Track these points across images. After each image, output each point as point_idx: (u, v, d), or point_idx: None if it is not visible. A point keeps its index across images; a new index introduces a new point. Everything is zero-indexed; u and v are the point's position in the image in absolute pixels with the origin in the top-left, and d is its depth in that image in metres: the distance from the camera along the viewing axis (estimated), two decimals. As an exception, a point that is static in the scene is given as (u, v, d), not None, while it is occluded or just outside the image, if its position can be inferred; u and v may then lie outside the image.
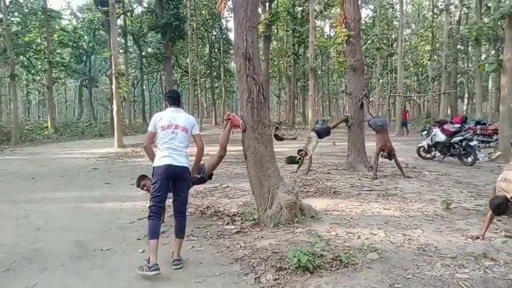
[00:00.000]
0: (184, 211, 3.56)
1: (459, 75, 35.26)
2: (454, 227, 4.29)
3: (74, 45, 35.15)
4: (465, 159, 9.23)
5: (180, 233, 3.46)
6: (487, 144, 12.46)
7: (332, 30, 24.83)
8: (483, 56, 31.09)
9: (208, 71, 36.49)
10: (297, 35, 28.69)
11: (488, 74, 21.04)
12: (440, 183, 6.84)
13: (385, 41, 29.14)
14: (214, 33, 35.90)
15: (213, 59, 35.60)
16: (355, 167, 8.45)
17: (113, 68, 15.52)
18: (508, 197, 3.59)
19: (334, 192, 6.15)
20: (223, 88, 32.79)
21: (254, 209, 4.83)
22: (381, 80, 32.04)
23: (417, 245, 3.70)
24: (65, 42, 32.79)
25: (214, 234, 4.20)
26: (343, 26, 8.53)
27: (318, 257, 3.28)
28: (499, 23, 13.05)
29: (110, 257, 3.67)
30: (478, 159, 9.08)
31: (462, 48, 33.14)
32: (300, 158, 8.39)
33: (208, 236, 4.14)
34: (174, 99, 3.76)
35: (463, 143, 9.16)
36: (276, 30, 30.30)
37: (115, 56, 16.04)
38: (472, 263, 3.29)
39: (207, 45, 36.23)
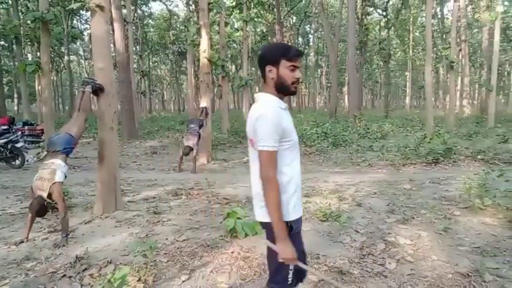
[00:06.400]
0: None
1: (6, 73, 33.12)
2: (-6, 238, 3.98)
3: None
4: (13, 162, 8.85)
5: None
6: (37, 144, 12.62)
7: None
8: (30, 56, 30.84)
9: None
10: None
11: (32, 75, 21.19)
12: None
13: None
14: None
15: None
16: None
17: None
18: (44, 195, 3.77)
19: None
20: None
21: None
22: None
23: None
24: None
25: None
26: None
27: None
28: (37, 26, 13.37)
29: None
30: (27, 161, 9.00)
31: (7, 45, 31.05)
32: None
33: None
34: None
35: (9, 146, 8.73)
36: None
37: None
38: (14, 269, 3.19)
39: None
